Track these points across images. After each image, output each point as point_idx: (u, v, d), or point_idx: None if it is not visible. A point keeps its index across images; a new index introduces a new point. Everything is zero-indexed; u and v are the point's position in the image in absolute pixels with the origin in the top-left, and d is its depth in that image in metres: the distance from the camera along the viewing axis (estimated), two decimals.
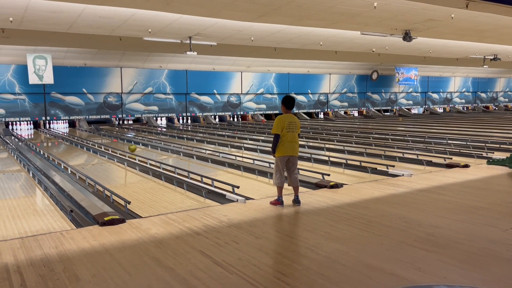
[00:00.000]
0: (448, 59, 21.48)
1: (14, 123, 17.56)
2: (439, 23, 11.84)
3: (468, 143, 11.11)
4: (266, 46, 15.66)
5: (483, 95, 32.86)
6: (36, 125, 18.29)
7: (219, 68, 21.31)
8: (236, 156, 9.12)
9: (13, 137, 14.53)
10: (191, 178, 6.71)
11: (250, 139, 13.15)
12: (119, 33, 12.53)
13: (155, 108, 20.33)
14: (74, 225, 4.47)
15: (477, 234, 3.94)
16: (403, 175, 6.93)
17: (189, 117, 21.62)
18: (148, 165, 8.09)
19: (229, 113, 22.48)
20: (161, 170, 7.46)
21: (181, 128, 18.95)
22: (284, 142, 5.01)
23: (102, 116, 19.24)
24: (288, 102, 5.15)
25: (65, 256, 3.47)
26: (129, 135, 15.23)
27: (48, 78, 17.00)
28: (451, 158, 8.47)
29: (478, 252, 3.49)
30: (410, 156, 8.92)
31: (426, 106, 29.95)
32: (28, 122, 17.92)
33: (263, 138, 13.36)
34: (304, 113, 24.58)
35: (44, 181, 6.53)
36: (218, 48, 15.75)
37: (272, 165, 6.75)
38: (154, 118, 20.48)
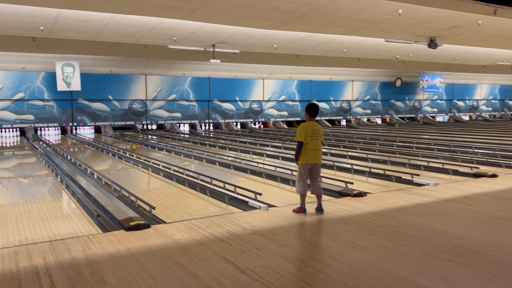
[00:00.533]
0: (475, 66, 21.03)
1: (42, 128, 18.09)
2: (465, 30, 11.63)
3: (495, 152, 10.82)
4: (288, 53, 15.69)
5: (511, 102, 31.99)
6: (64, 131, 18.78)
7: (241, 76, 21.47)
8: (258, 163, 9.14)
9: (41, 142, 14.96)
10: (214, 185, 6.76)
11: (272, 146, 13.17)
12: (144, 41, 12.79)
13: (179, 114, 20.61)
14: (100, 229, 4.56)
15: (508, 246, 3.83)
16: (428, 184, 6.81)
17: (211, 124, 21.81)
18: (171, 171, 8.19)
19: (251, 120, 22.58)
20: (184, 176, 7.55)
21: (203, 134, 19.13)
22: (308, 149, 5.00)
23: (127, 122, 19.62)
24: (312, 110, 5.15)
25: (92, 260, 3.54)
26: (153, 141, 15.46)
27: (76, 85, 17.47)
28: (478, 168, 8.27)
29: (509, 265, 3.39)
30: (435, 165, 8.75)
31: (451, 114, 29.36)
32: (56, 128, 18.42)
33: (284, 145, 13.35)
34: (326, 120, 24.45)
35: (71, 186, 6.69)
36: (241, 55, 15.87)
37: (294, 173, 6.74)
38: (177, 124, 20.74)
